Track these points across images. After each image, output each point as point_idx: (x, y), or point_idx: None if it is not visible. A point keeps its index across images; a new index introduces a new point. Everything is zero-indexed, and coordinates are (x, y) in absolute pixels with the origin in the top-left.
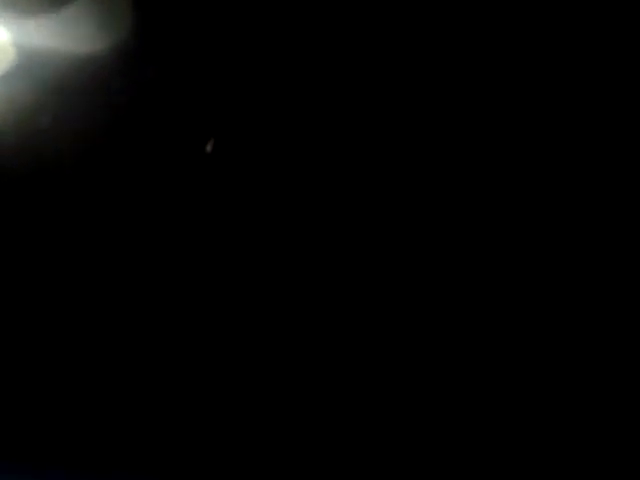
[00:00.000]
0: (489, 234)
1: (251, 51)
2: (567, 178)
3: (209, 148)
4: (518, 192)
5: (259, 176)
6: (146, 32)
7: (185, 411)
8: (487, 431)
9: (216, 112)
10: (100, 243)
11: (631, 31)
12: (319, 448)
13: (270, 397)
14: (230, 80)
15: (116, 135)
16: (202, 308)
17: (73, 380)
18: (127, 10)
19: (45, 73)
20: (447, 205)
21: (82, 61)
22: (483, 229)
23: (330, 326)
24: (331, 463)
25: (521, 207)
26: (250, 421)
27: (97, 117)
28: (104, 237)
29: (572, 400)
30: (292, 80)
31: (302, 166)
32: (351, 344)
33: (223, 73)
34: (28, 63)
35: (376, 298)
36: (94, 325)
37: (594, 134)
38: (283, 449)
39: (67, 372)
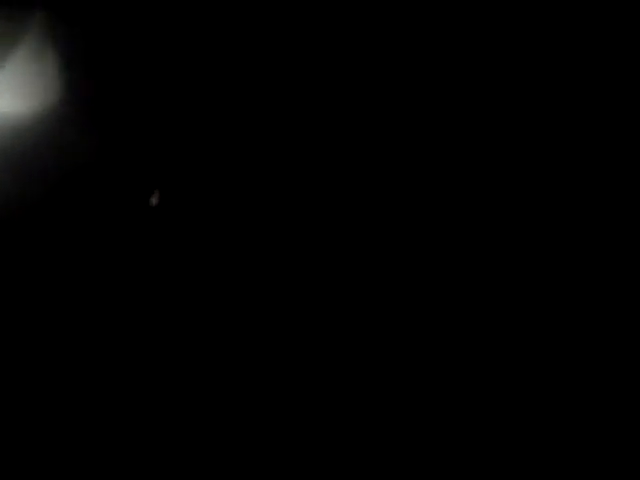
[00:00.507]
0: (489, 234)
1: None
2: (567, 178)
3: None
4: (518, 192)
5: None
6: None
7: (185, 412)
8: (487, 431)
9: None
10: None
11: (631, 31)
12: (319, 448)
13: (270, 397)
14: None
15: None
16: (202, 308)
17: (74, 381)
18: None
19: None
20: (447, 205)
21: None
22: (483, 229)
23: (330, 326)
24: (331, 463)
25: (521, 207)
26: (250, 421)
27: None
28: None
29: (572, 400)
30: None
31: (299, 167)
32: (351, 344)
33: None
34: None
35: (376, 298)
36: (94, 327)
37: (594, 134)
38: (283, 449)
39: (68, 373)
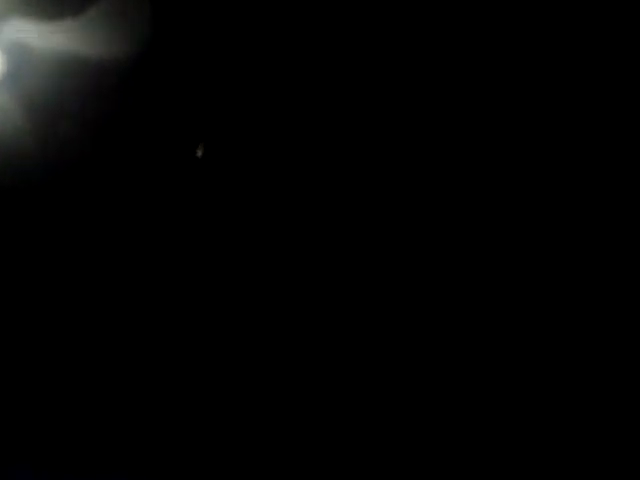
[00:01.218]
0: (489, 234)
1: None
2: (567, 178)
3: (200, 152)
4: (518, 192)
5: (256, 176)
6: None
7: (185, 411)
8: (487, 431)
9: (209, 114)
10: (100, 245)
11: (631, 31)
12: (319, 448)
13: (269, 397)
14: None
15: (113, 137)
16: (203, 309)
17: (76, 381)
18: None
19: (39, 79)
20: (447, 205)
21: (79, 65)
22: (483, 229)
23: (330, 326)
24: (331, 463)
25: (521, 207)
26: (250, 421)
27: (94, 122)
28: (104, 239)
29: (572, 400)
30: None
31: (300, 166)
32: (351, 344)
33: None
34: (18, 70)
35: (376, 298)
36: (96, 326)
37: (594, 134)
38: (283, 448)
39: (69, 373)
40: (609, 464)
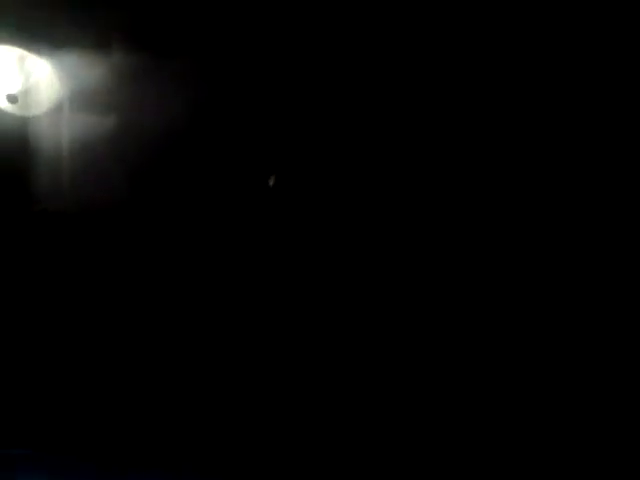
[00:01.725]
0: (489, 234)
1: None
2: (567, 178)
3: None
4: (518, 192)
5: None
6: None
7: (186, 410)
8: (487, 431)
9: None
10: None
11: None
12: (319, 447)
13: (270, 397)
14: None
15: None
16: (203, 309)
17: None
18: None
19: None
20: (447, 205)
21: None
22: (483, 229)
23: (330, 326)
24: (331, 463)
25: (521, 207)
26: (250, 420)
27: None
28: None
29: (572, 400)
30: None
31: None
32: (351, 344)
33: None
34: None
35: (376, 298)
36: (101, 325)
37: (594, 134)
38: (283, 448)
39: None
40: (609, 464)
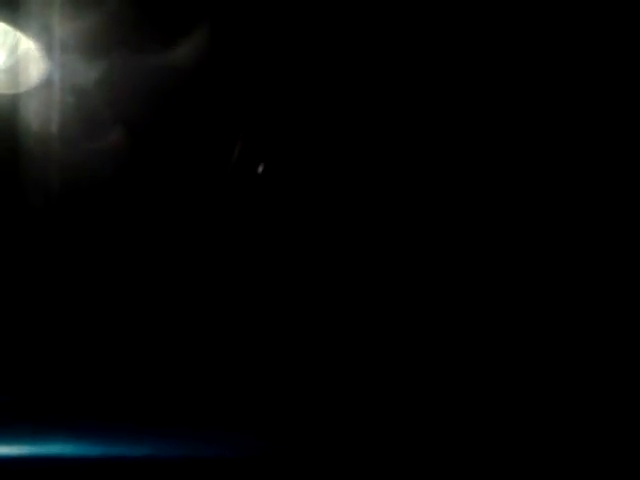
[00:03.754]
0: (489, 234)
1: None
2: (567, 178)
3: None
4: (518, 192)
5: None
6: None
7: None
8: (487, 431)
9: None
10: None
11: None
12: (319, 447)
13: (270, 397)
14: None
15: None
16: (204, 309)
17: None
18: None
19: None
20: (447, 206)
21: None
22: (483, 229)
23: (330, 327)
24: (331, 462)
25: (521, 207)
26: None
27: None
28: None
29: (572, 400)
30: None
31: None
32: (351, 344)
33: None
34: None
35: (376, 299)
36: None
37: (594, 134)
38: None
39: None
40: (609, 464)
